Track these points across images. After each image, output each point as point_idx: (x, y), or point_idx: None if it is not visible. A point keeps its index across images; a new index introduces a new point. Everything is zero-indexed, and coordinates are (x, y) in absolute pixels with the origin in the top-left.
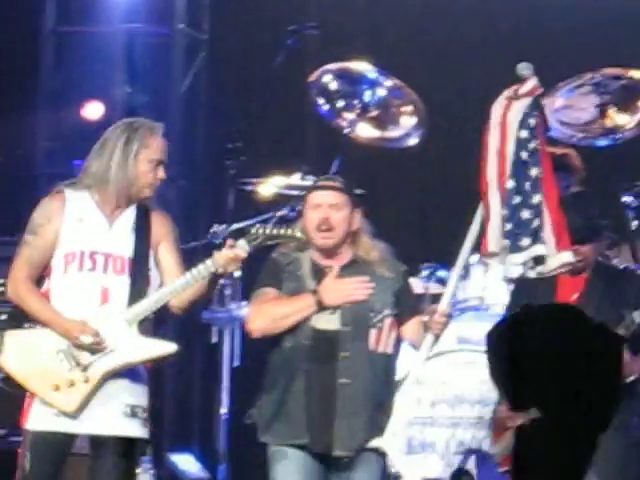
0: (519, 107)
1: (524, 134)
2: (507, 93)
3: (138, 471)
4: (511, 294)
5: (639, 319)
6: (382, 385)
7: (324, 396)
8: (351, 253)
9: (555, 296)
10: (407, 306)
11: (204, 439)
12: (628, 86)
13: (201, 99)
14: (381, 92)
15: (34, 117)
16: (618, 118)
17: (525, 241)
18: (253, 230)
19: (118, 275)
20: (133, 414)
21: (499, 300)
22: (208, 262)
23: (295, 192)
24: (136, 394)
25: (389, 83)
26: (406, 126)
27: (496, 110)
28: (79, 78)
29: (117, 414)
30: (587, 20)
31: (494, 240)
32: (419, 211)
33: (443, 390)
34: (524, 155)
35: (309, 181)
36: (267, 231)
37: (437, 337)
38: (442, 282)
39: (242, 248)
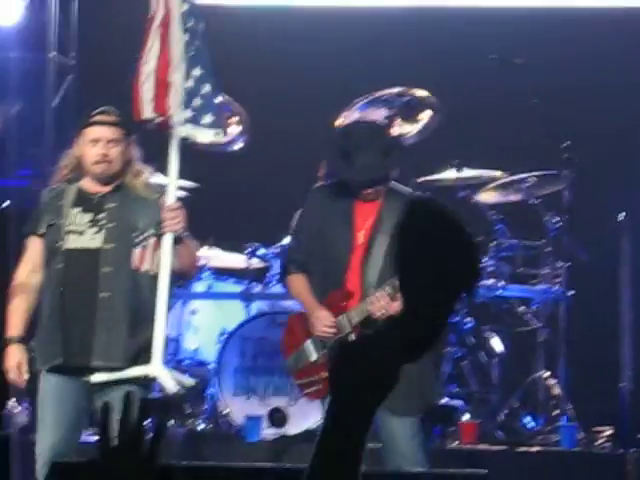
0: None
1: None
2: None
3: (17, 410)
4: (302, 217)
5: None
6: (146, 303)
7: (84, 312)
8: (121, 180)
9: (353, 222)
10: None
11: None
12: (411, 102)
13: (71, 115)
14: None
15: None
16: (403, 128)
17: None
18: None
19: None
20: None
21: None
22: None
23: None
24: None
25: (219, 99)
26: (232, 133)
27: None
28: None
29: None
30: (385, 54)
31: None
32: (245, 200)
33: (262, 344)
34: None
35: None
36: None
37: (178, 234)
38: (262, 259)
39: None
